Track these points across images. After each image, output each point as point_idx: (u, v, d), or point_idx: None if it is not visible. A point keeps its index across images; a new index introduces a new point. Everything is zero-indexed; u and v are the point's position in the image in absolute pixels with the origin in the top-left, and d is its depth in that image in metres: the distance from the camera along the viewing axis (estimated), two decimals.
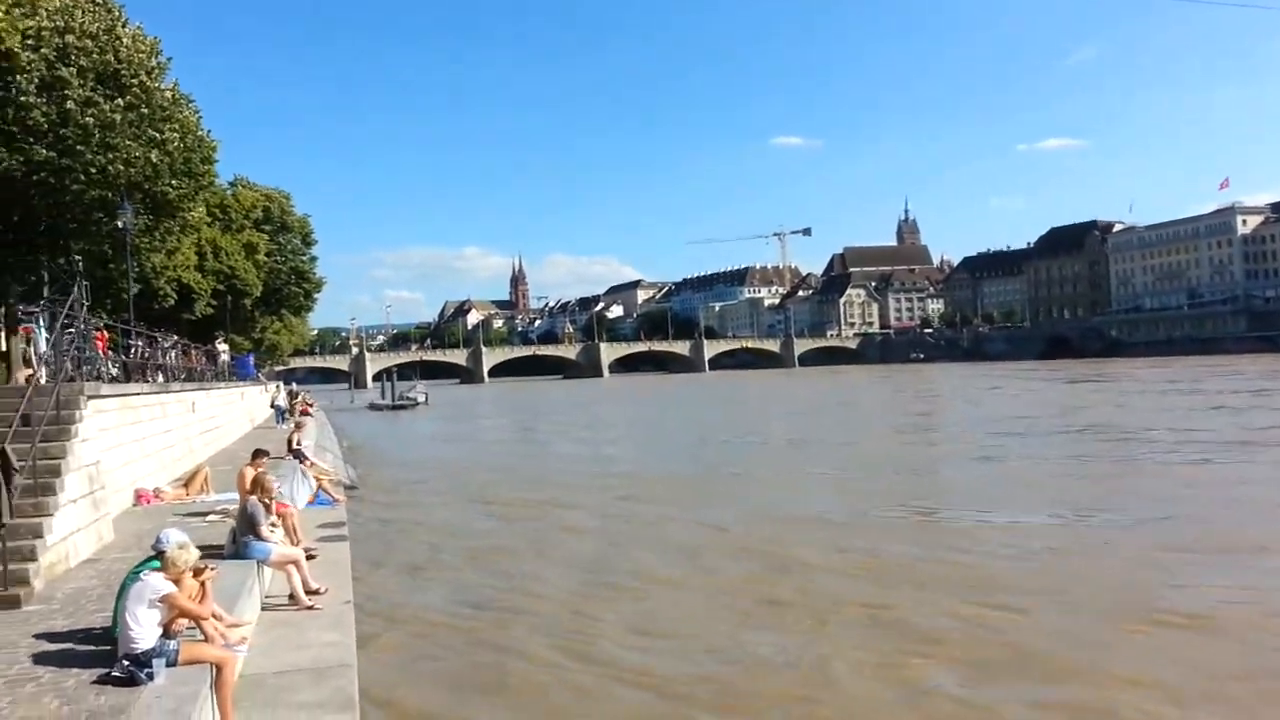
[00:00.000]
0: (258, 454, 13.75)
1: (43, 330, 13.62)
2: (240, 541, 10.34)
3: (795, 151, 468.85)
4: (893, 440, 36.45)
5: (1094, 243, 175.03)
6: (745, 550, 16.85)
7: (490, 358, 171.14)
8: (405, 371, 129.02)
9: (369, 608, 12.65)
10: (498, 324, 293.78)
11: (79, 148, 24.61)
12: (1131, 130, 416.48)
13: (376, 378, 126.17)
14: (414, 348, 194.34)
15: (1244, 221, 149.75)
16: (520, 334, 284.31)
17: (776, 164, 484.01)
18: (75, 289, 21.49)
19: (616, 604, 13.39)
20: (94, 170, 25.03)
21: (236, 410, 32.75)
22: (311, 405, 53.74)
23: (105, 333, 19.01)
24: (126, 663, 6.10)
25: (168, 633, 6.50)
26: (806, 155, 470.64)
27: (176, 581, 6.78)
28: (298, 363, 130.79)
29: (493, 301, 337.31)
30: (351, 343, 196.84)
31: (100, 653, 6.51)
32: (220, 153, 34.03)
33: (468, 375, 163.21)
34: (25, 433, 9.35)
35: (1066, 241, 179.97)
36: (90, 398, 11.76)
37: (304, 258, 62.85)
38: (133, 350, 20.60)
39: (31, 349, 13.25)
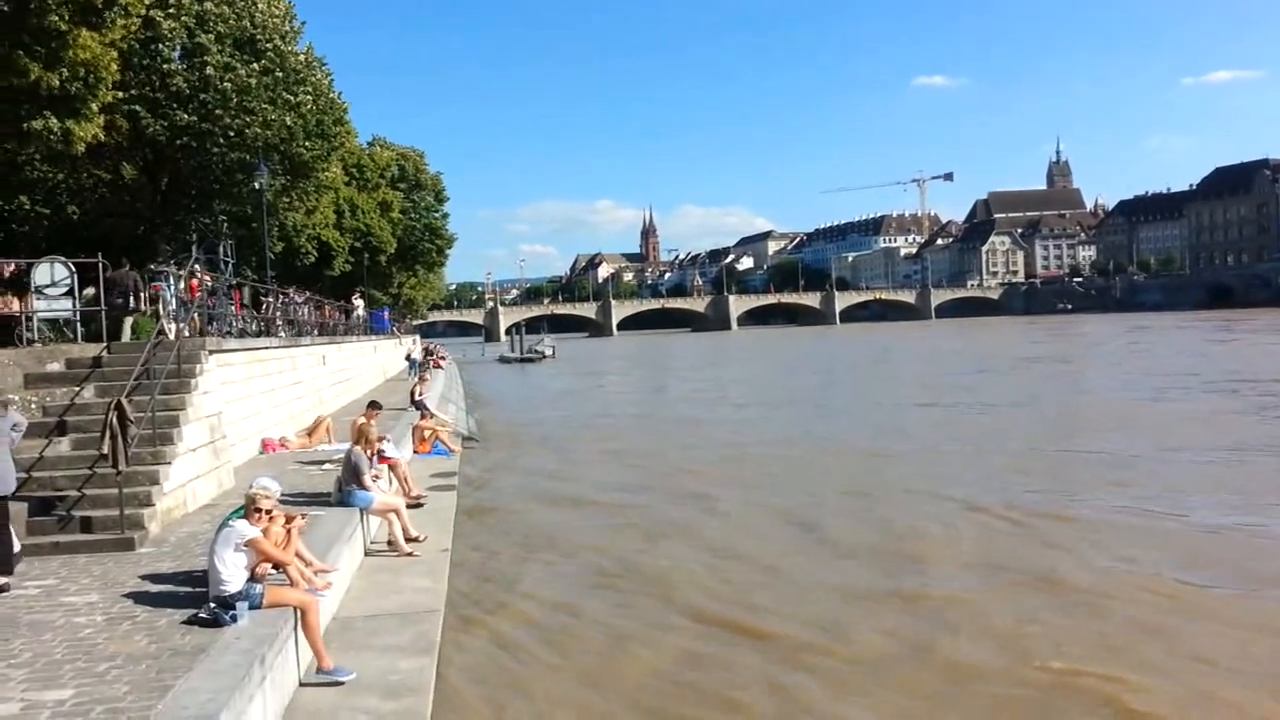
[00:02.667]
0: (372, 406, 14.32)
1: (171, 288, 14.46)
2: (345, 490, 10.81)
3: (938, 92, 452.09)
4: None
5: (1263, 183, 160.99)
6: None
7: (619, 311, 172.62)
8: (535, 325, 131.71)
9: (464, 558, 12.58)
10: (627, 277, 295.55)
11: (218, 112, 25.83)
12: None
13: (508, 331, 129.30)
14: (545, 301, 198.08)
15: None
16: (650, 287, 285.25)
17: (917, 106, 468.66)
18: (198, 249, 22.61)
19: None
20: (232, 133, 26.27)
21: (368, 363, 34.14)
22: (444, 358, 55.75)
23: (239, 289, 19.95)
24: (213, 604, 6.45)
25: (254, 577, 6.82)
26: (950, 96, 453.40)
27: (265, 529, 7.10)
28: (436, 316, 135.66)
29: (623, 255, 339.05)
30: (486, 297, 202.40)
31: (197, 594, 6.90)
32: (360, 113, 35.41)
33: (596, 328, 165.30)
34: (148, 386, 9.95)
35: (1233, 182, 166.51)
36: (212, 352, 12.43)
37: (436, 214, 64.86)
38: (264, 306, 21.64)
39: (162, 307, 14.11)
